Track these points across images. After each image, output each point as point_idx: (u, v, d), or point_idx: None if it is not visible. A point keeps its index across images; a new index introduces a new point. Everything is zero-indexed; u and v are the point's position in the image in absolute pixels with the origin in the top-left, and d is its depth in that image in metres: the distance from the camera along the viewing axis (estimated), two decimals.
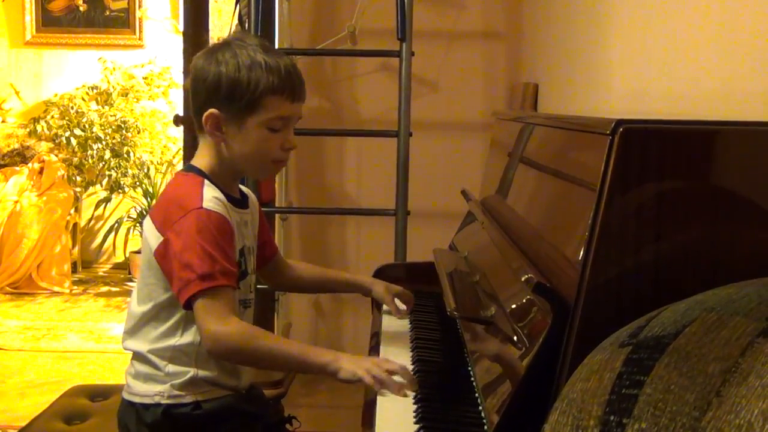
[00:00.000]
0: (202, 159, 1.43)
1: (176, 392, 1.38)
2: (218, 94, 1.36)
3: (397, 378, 1.27)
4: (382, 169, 3.16)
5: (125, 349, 1.46)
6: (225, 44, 1.40)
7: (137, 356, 1.42)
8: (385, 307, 1.75)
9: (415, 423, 1.16)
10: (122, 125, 5.12)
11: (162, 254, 1.35)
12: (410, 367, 1.40)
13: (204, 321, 1.30)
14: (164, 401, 1.38)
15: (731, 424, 0.64)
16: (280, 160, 1.43)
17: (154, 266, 1.38)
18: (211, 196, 1.36)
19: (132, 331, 1.43)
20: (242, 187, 1.52)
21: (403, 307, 1.73)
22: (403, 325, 1.68)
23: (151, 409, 1.39)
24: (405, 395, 1.24)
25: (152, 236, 1.38)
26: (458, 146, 3.32)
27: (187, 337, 1.38)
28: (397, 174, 2.86)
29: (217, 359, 1.38)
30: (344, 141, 3.36)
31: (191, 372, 1.38)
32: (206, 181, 1.39)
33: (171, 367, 1.38)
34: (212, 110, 1.37)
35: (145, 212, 5.00)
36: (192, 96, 1.41)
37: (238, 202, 1.45)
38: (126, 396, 1.44)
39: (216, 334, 1.29)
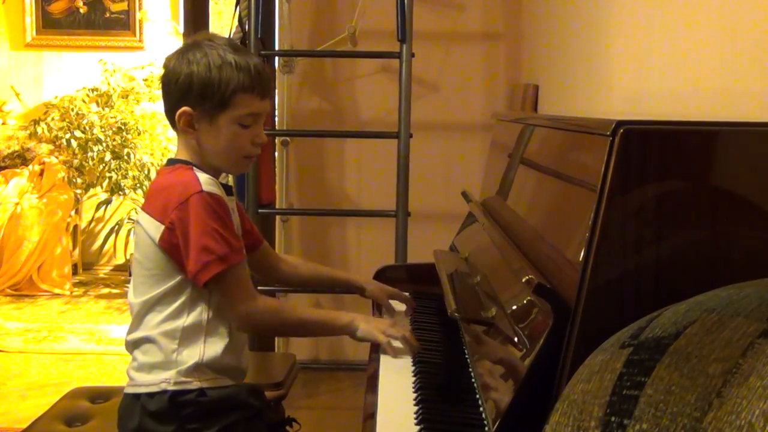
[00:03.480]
0: (183, 155, 1.48)
1: (182, 378, 1.40)
2: (190, 93, 1.41)
3: (397, 344, 1.48)
4: (383, 171, 3.16)
5: (128, 344, 1.47)
6: (195, 44, 1.44)
7: (142, 344, 1.44)
8: (395, 304, 1.76)
9: (416, 424, 1.16)
10: (122, 127, 5.12)
11: (168, 241, 1.39)
12: (411, 368, 1.40)
13: (233, 301, 1.41)
14: (171, 388, 1.40)
15: (732, 425, 0.63)
16: (251, 155, 1.49)
17: (157, 256, 1.41)
18: (206, 178, 1.41)
19: (134, 323, 1.46)
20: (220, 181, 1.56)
21: (401, 307, 1.74)
22: (404, 326, 1.68)
23: (156, 396, 1.41)
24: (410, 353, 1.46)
25: (152, 227, 1.41)
26: (458, 147, 3.32)
27: (194, 317, 1.42)
28: (397, 175, 2.86)
29: (252, 334, 1.47)
30: (345, 142, 3.36)
31: (197, 357, 1.41)
32: (195, 168, 1.44)
33: (179, 351, 1.41)
34: (185, 108, 1.42)
35: None
36: (164, 95, 1.47)
37: (224, 188, 1.49)
38: (129, 390, 1.45)
39: (247, 313, 1.42)
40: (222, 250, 1.36)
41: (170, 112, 1.45)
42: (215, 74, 1.39)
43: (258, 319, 1.45)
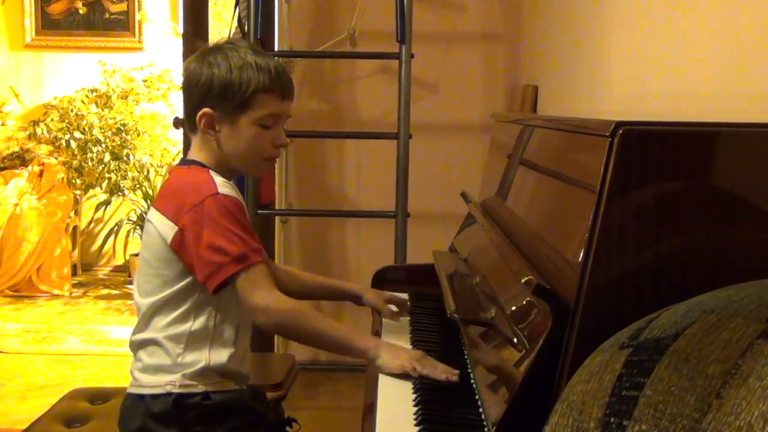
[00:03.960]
0: (199, 155, 1.47)
1: (188, 381, 1.40)
2: (211, 94, 1.41)
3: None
4: (382, 171, 3.16)
5: (132, 343, 1.47)
6: (216, 48, 1.45)
7: (148, 345, 1.43)
8: (393, 308, 1.76)
9: (416, 425, 1.16)
10: (122, 128, 5.12)
11: (180, 243, 1.38)
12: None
13: (252, 296, 1.36)
14: (175, 390, 1.40)
15: (731, 426, 0.63)
16: (272, 157, 1.49)
17: (167, 257, 1.40)
18: (222, 180, 1.41)
19: (141, 324, 1.45)
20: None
21: (396, 309, 1.74)
22: (403, 327, 1.68)
23: (160, 398, 1.41)
24: (449, 380, 1.28)
25: (165, 227, 1.40)
26: (458, 148, 3.32)
27: (200, 322, 1.41)
28: (396, 176, 2.87)
29: (267, 331, 1.43)
30: (344, 143, 3.37)
31: (203, 362, 1.40)
32: (210, 170, 1.44)
33: (184, 355, 1.40)
34: (206, 109, 1.42)
35: (144, 215, 4.99)
36: (185, 98, 1.47)
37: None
38: (133, 390, 1.45)
39: (267, 307, 1.37)
40: (238, 250, 1.35)
41: (191, 114, 1.45)
42: (236, 75, 1.40)
43: (276, 316, 1.38)
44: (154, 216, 1.43)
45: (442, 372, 1.29)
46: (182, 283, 1.40)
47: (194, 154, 1.48)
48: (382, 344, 1.39)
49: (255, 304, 1.37)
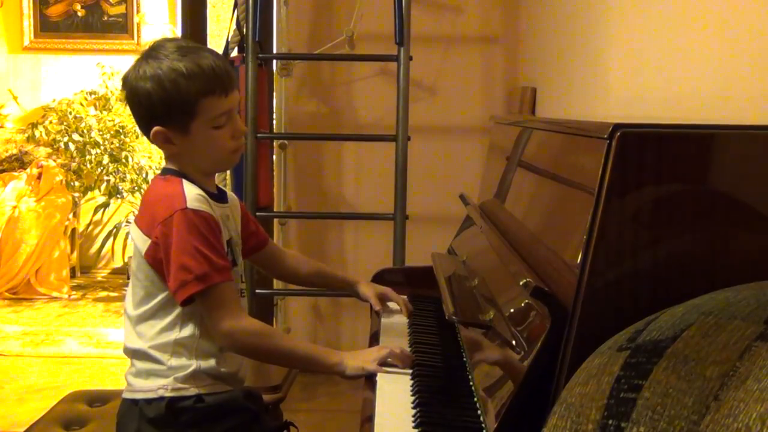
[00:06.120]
0: (172, 164, 1.47)
1: (180, 385, 1.40)
2: (155, 112, 1.39)
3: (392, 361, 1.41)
4: (381, 173, 3.16)
5: (126, 351, 1.47)
6: (145, 59, 1.41)
7: (138, 354, 1.44)
8: (392, 305, 1.77)
9: (414, 428, 1.16)
10: (120, 130, 5.12)
11: (153, 256, 1.39)
12: (409, 372, 1.40)
13: (215, 319, 1.37)
14: (168, 394, 1.40)
15: (729, 428, 0.64)
16: (237, 149, 1.46)
17: (146, 269, 1.41)
18: (194, 194, 1.39)
19: (130, 333, 1.45)
20: (218, 185, 1.56)
21: (396, 306, 1.75)
22: (402, 328, 1.68)
23: (154, 403, 1.41)
24: (408, 368, 1.39)
25: (140, 240, 1.41)
26: (456, 150, 3.32)
27: (187, 331, 1.41)
28: (395, 178, 2.87)
29: (234, 353, 1.45)
30: (343, 145, 3.37)
31: (193, 365, 1.41)
32: (185, 180, 1.42)
33: (173, 361, 1.41)
34: (157, 128, 1.40)
35: None
36: (132, 114, 1.45)
37: (217, 196, 1.48)
38: (127, 395, 1.45)
39: (231, 331, 1.37)
40: (201, 269, 1.34)
41: (144, 130, 1.44)
42: (171, 88, 1.36)
43: (242, 340, 1.40)
44: (133, 229, 1.45)
45: (401, 356, 1.41)
46: (164, 295, 1.40)
47: (169, 163, 1.47)
48: (345, 355, 1.43)
49: (218, 329, 1.38)
